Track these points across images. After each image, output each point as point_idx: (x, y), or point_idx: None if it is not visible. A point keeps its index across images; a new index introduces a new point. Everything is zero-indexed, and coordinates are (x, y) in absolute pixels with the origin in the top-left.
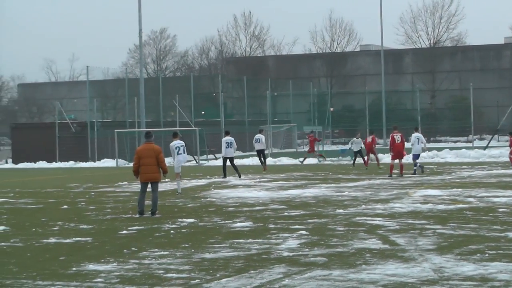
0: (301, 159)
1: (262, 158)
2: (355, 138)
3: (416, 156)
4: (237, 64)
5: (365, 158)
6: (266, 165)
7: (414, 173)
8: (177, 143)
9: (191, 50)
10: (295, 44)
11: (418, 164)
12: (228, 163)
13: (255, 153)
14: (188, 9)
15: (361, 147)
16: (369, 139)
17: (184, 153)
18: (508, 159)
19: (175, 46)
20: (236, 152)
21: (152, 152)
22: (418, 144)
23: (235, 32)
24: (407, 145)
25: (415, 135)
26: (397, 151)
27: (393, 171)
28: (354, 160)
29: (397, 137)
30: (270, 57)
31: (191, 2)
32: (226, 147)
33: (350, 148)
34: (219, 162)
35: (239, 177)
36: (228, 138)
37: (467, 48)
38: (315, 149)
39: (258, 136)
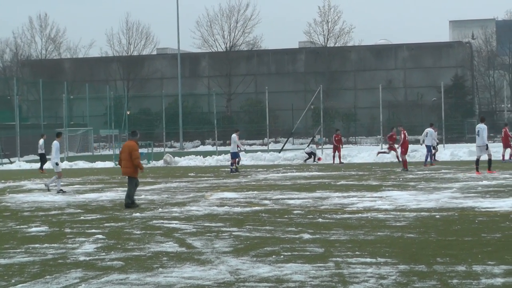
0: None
1: None
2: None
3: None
4: (32, 66)
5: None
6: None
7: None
8: None
9: None
10: (92, 47)
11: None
12: None
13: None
14: None
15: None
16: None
17: None
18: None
19: None
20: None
21: (125, 148)
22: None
23: (30, 34)
24: None
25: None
26: (407, 147)
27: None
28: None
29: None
30: (66, 60)
31: None
32: None
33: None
34: (14, 166)
35: None
36: None
37: (263, 52)
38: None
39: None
